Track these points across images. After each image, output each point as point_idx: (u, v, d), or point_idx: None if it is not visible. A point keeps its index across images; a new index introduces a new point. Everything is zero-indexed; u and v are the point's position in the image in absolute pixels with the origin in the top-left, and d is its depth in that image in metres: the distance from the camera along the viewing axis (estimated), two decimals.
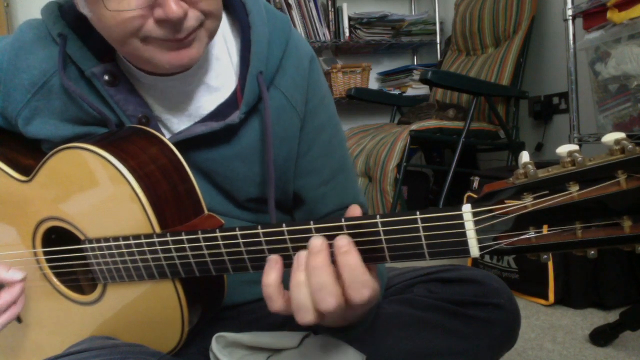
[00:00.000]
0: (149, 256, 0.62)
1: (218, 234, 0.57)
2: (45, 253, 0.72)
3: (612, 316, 1.38)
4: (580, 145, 1.71)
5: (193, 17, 0.61)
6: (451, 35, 2.85)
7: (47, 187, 0.68)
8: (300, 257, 0.51)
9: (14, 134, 0.77)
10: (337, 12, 3.15)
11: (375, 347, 0.69)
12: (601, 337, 1.23)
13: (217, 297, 0.71)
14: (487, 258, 1.69)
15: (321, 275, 0.49)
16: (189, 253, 0.60)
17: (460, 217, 0.46)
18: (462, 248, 0.47)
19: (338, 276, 0.50)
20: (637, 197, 0.39)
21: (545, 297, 1.52)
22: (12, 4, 2.85)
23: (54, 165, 0.67)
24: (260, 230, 0.55)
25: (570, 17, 1.84)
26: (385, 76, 3.37)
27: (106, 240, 0.64)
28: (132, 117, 0.71)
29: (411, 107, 2.67)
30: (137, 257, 0.63)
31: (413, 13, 3.49)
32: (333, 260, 0.50)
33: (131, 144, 0.66)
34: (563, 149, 0.42)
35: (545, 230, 0.43)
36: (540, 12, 2.39)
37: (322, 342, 0.67)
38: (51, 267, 0.72)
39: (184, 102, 0.73)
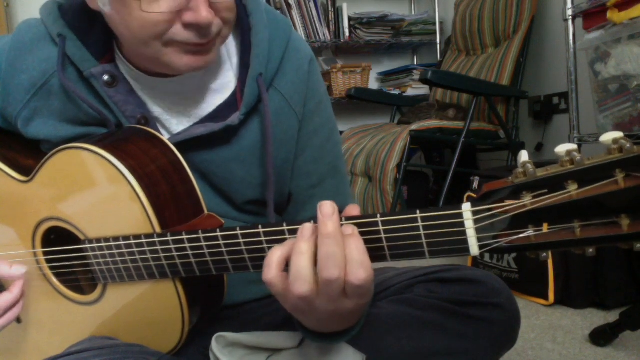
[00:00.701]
0: (149, 256, 0.62)
1: (219, 234, 0.57)
2: (45, 253, 0.72)
3: (612, 316, 1.38)
4: (580, 146, 1.71)
5: (217, 24, 0.63)
6: (451, 35, 2.85)
7: (47, 187, 0.68)
8: (306, 228, 0.51)
9: (14, 135, 0.77)
10: (337, 12, 3.15)
11: (375, 347, 0.69)
12: (601, 337, 1.23)
13: (217, 297, 0.71)
14: (487, 258, 1.69)
15: (331, 244, 0.48)
16: (189, 252, 0.60)
17: (460, 215, 0.46)
18: (462, 247, 0.47)
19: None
20: (635, 196, 0.39)
21: (545, 297, 1.52)
22: (12, 4, 2.86)
23: (54, 166, 0.67)
24: (261, 230, 0.55)
25: (570, 17, 1.84)
26: (385, 76, 3.38)
27: (106, 240, 0.64)
28: (131, 118, 0.71)
29: (411, 107, 2.67)
30: (138, 256, 0.63)
31: (413, 13, 3.49)
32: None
33: (131, 144, 0.66)
34: (562, 148, 0.42)
35: (545, 228, 0.43)
36: (540, 12, 2.39)
37: None
38: (51, 268, 0.72)
39: (183, 103, 0.74)
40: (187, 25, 0.61)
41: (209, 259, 0.59)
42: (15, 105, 0.73)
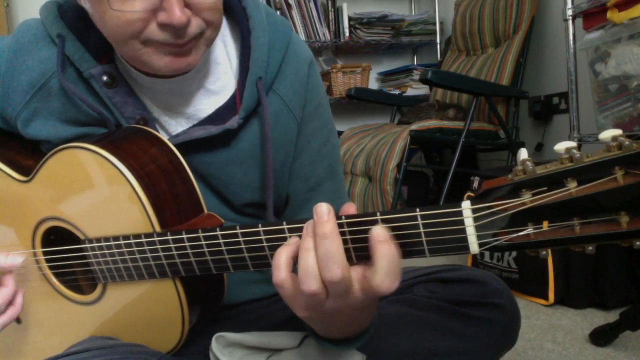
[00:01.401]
0: (149, 255, 0.62)
1: (218, 232, 0.57)
2: (45, 253, 0.72)
3: (612, 316, 1.38)
4: (580, 146, 1.71)
5: (196, 25, 0.62)
6: (451, 35, 2.85)
7: (47, 187, 0.68)
8: (310, 225, 0.50)
9: (14, 135, 0.77)
10: (337, 12, 3.15)
11: (375, 347, 0.69)
12: (601, 337, 1.23)
13: (217, 297, 0.71)
14: (487, 258, 1.69)
15: (329, 244, 0.48)
16: (189, 252, 0.60)
17: (460, 213, 0.46)
18: (461, 244, 0.47)
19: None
20: (634, 193, 0.39)
21: (545, 297, 1.52)
22: (12, 4, 2.86)
23: (54, 165, 0.67)
24: (260, 229, 0.55)
25: (570, 17, 1.84)
26: (385, 76, 3.38)
27: (106, 239, 0.64)
28: (130, 119, 0.71)
29: (411, 107, 2.67)
30: (138, 256, 0.63)
31: (413, 13, 3.49)
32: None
33: (131, 143, 0.66)
34: (561, 146, 0.42)
35: (545, 226, 0.43)
36: (540, 12, 2.39)
37: None
38: (51, 267, 0.72)
39: (183, 105, 0.73)
40: (162, 26, 0.60)
41: (208, 258, 0.59)
42: (15, 106, 0.73)
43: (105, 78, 0.70)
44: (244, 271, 0.58)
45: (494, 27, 2.49)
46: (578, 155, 0.41)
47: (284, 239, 0.54)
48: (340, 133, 2.73)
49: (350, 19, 3.16)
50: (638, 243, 0.40)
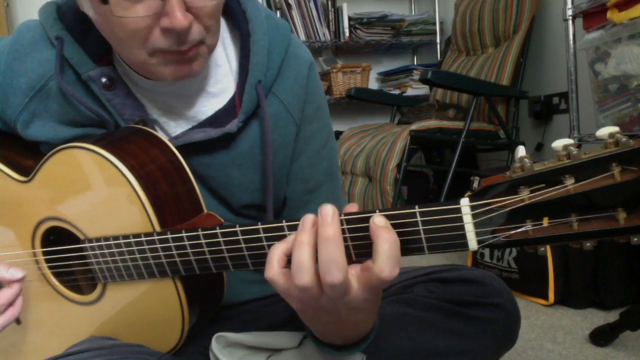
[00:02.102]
0: (149, 254, 0.62)
1: (218, 231, 0.57)
2: (45, 253, 0.72)
3: (612, 316, 1.38)
4: (580, 145, 1.71)
5: (197, 31, 0.62)
6: (451, 35, 2.85)
7: (47, 188, 0.68)
8: (306, 220, 0.50)
9: (13, 135, 0.77)
10: (337, 12, 3.16)
11: (375, 347, 0.69)
12: (601, 337, 1.23)
13: (217, 296, 0.71)
14: (487, 258, 1.69)
15: (332, 248, 0.47)
16: (189, 251, 0.60)
17: (459, 210, 0.46)
18: (460, 241, 0.47)
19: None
20: (631, 189, 0.39)
21: (545, 297, 1.52)
22: (12, 4, 2.86)
23: (54, 166, 0.67)
24: (260, 227, 0.55)
25: (570, 17, 1.84)
26: (385, 76, 3.38)
27: (106, 239, 0.64)
28: (129, 120, 0.71)
29: (411, 107, 2.67)
30: (137, 255, 0.63)
31: (413, 13, 3.49)
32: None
33: (131, 143, 0.66)
34: (558, 143, 0.42)
35: (545, 223, 0.43)
36: (540, 12, 2.39)
37: None
38: (50, 268, 0.72)
39: (182, 107, 0.74)
40: (165, 31, 0.60)
41: (208, 257, 0.59)
42: (14, 108, 0.73)
43: (104, 80, 0.70)
44: (243, 270, 0.59)
45: (494, 27, 2.50)
46: (575, 152, 0.41)
47: (284, 237, 0.54)
48: (340, 133, 2.73)
49: (350, 19, 3.16)
50: (635, 239, 0.40)
